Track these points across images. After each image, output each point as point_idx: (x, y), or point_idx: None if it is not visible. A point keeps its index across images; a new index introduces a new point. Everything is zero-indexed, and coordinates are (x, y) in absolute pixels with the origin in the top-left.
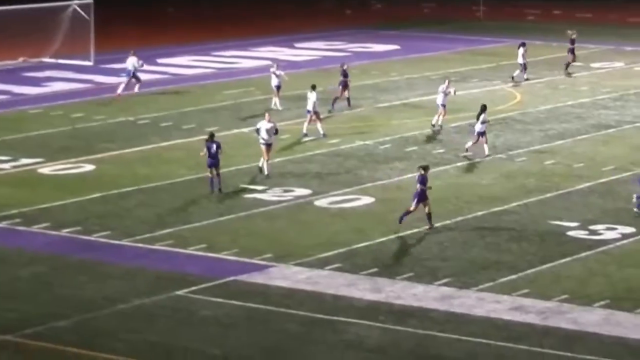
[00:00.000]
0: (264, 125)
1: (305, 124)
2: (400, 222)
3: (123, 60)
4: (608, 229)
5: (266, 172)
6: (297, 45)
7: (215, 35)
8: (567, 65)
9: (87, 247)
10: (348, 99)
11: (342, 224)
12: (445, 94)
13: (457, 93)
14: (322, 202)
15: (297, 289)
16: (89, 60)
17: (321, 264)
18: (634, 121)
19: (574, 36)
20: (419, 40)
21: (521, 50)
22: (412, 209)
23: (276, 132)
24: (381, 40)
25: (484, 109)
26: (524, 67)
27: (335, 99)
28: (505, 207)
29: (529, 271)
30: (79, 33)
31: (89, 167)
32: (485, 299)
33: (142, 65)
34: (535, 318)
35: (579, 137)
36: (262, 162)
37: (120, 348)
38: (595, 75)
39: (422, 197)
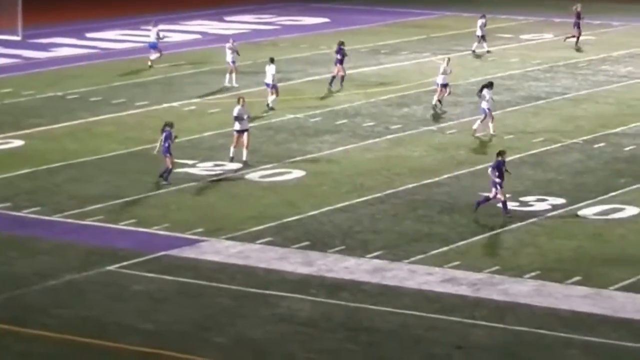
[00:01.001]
0: (239, 111)
1: (268, 97)
2: (476, 209)
3: (51, 35)
4: (538, 200)
5: (244, 159)
6: (227, 18)
7: (145, 10)
8: (576, 39)
9: (16, 223)
10: (342, 77)
11: (273, 198)
12: (446, 73)
13: (387, 66)
14: (253, 176)
15: (228, 263)
16: (17, 35)
17: (252, 238)
18: (563, 92)
19: (578, 9)
20: (348, 13)
21: (480, 22)
22: (491, 195)
23: (248, 117)
24: (311, 13)
25: (489, 85)
26: (483, 38)
27: (333, 78)
28: (436, 179)
29: (460, 243)
30: (6, 7)
31: (18, 143)
32: (417, 271)
33: (162, 38)
34: (467, 290)
35: (509, 109)
36: (232, 151)
37: (51, 324)
38: (524, 46)
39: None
